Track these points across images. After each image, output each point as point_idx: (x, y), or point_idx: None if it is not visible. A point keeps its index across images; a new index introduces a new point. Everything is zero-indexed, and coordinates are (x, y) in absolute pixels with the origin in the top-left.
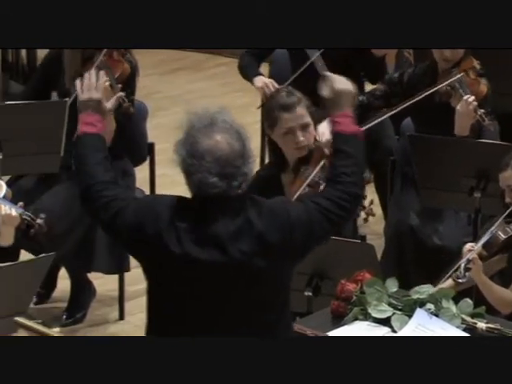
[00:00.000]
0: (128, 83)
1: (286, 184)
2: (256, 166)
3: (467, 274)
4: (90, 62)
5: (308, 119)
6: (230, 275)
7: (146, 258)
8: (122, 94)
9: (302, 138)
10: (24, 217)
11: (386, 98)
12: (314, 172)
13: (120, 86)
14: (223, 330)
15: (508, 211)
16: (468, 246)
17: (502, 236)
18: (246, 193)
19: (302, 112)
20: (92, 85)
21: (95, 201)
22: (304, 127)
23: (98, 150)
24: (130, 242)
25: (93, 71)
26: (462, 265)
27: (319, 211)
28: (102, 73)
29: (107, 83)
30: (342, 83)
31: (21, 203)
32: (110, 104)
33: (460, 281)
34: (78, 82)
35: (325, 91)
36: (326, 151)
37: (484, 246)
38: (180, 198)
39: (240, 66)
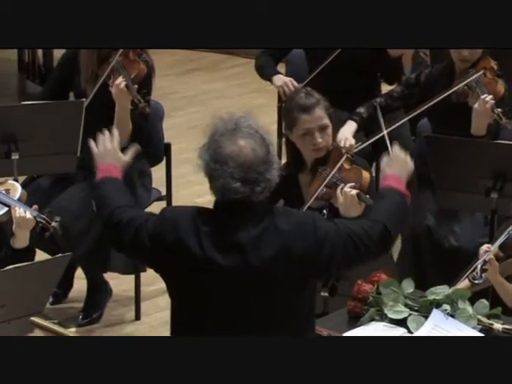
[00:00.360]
0: (144, 83)
1: (303, 184)
2: None
3: (483, 274)
4: (106, 62)
5: (326, 121)
6: (249, 281)
7: (167, 268)
8: (137, 94)
9: (320, 140)
10: (39, 219)
11: (403, 100)
12: (332, 173)
13: (136, 86)
14: (243, 336)
15: None
16: (484, 247)
17: None
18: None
19: (321, 114)
20: (106, 138)
21: (116, 225)
22: (322, 129)
23: (116, 188)
24: (151, 254)
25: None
26: (479, 266)
27: (348, 235)
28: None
29: (123, 84)
30: (403, 156)
31: (35, 206)
32: (126, 156)
33: (476, 282)
34: (91, 142)
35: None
36: (344, 152)
37: (500, 247)
38: (200, 208)
39: (257, 66)
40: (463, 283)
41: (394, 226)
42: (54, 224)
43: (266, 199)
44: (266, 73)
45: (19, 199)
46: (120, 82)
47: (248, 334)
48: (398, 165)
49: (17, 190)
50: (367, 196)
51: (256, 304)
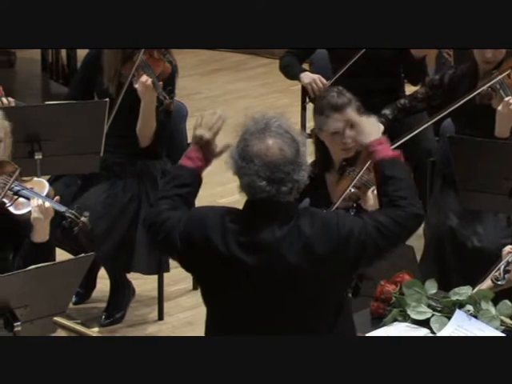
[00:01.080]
0: (169, 82)
1: (330, 184)
2: None
3: (506, 275)
4: (131, 61)
5: None
6: (273, 281)
7: (196, 267)
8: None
9: (349, 140)
10: (68, 215)
11: (427, 101)
12: (360, 173)
13: (161, 83)
14: (268, 335)
15: None
16: (508, 248)
17: None
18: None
19: (352, 113)
20: (209, 124)
21: (152, 225)
22: (352, 128)
23: (182, 184)
24: (181, 253)
25: (217, 114)
26: (502, 267)
27: (375, 227)
28: (222, 115)
29: (150, 81)
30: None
31: (57, 197)
32: (217, 151)
33: (499, 283)
34: (198, 118)
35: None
36: None
37: None
38: (230, 207)
39: (282, 66)
40: (486, 284)
41: (416, 203)
42: (83, 219)
43: (294, 200)
44: (292, 72)
45: (47, 195)
46: (146, 79)
47: (269, 333)
48: (371, 128)
49: (44, 186)
50: None
51: (278, 304)
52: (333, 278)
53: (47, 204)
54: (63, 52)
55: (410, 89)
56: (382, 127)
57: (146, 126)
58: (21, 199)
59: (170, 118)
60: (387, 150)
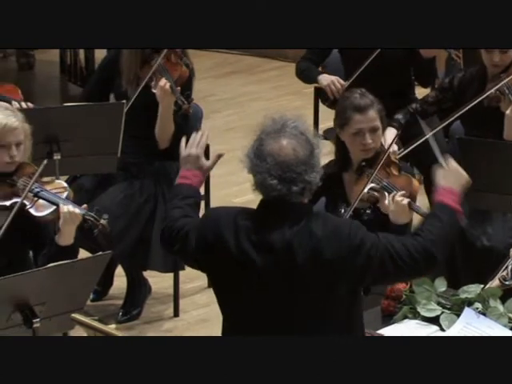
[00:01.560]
0: (186, 85)
1: (347, 183)
2: None
3: None
4: (148, 65)
5: (378, 123)
6: (281, 281)
7: (210, 266)
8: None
9: (369, 141)
10: (87, 217)
11: (438, 104)
12: (375, 172)
13: (179, 88)
14: (276, 335)
15: None
16: None
17: None
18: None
19: (374, 115)
20: (195, 142)
21: (169, 237)
22: (373, 130)
23: (184, 196)
24: (197, 255)
25: (200, 133)
26: (510, 266)
27: (386, 248)
28: (205, 133)
29: (168, 85)
30: (457, 169)
31: (85, 205)
32: (209, 162)
33: (507, 283)
34: (182, 142)
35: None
36: (393, 158)
37: None
38: (244, 207)
39: (299, 71)
40: (494, 283)
41: (440, 248)
42: (102, 221)
43: (307, 201)
44: (310, 75)
45: (67, 198)
46: (165, 83)
47: (279, 334)
48: (452, 177)
49: (65, 189)
50: (417, 205)
51: (286, 305)
52: (339, 284)
53: (76, 210)
54: (81, 54)
55: (420, 91)
56: (394, 131)
57: (164, 129)
58: (41, 201)
59: (188, 121)
60: (451, 201)
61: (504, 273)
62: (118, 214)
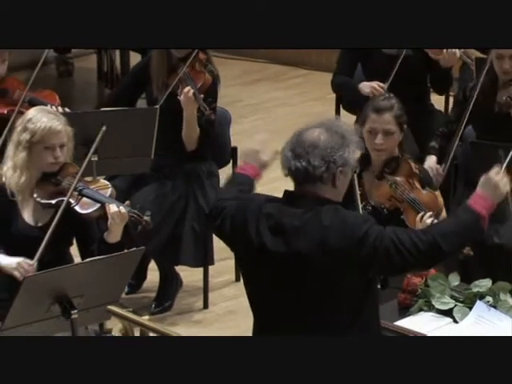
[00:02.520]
0: (209, 92)
1: (366, 181)
2: None
3: None
4: (175, 73)
5: (392, 127)
6: (288, 266)
7: (237, 248)
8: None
9: (380, 141)
10: (131, 214)
11: (461, 118)
12: (395, 178)
13: (202, 96)
14: (286, 320)
15: None
16: None
17: None
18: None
19: (389, 119)
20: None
21: (213, 213)
22: (386, 133)
23: (238, 183)
24: (229, 238)
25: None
26: None
27: (392, 239)
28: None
29: (191, 92)
30: (498, 178)
31: (127, 202)
32: (266, 158)
33: None
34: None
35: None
36: (414, 169)
37: None
38: (272, 197)
39: (337, 87)
40: None
41: (448, 242)
42: (145, 218)
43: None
44: (349, 87)
45: (110, 196)
46: (188, 90)
47: (288, 320)
48: (490, 186)
49: (108, 187)
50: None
51: (295, 291)
52: (345, 274)
53: (121, 209)
54: (117, 62)
55: (434, 97)
56: (434, 158)
57: (189, 133)
58: (85, 199)
59: (213, 125)
60: (480, 206)
61: None
62: (151, 212)
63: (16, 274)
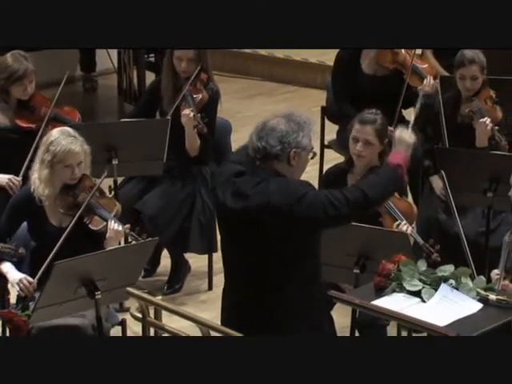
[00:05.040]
0: (205, 108)
1: (349, 183)
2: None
3: None
4: (180, 91)
5: (372, 138)
6: (243, 223)
7: (216, 213)
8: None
9: (360, 149)
10: (129, 236)
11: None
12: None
13: (199, 115)
14: (244, 272)
15: None
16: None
17: None
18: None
19: (370, 131)
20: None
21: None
22: (366, 142)
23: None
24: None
25: None
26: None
27: (326, 196)
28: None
29: (192, 114)
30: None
31: (127, 225)
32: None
33: None
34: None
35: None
36: None
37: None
38: (239, 170)
39: (338, 115)
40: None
41: (374, 191)
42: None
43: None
44: (349, 113)
45: (115, 215)
46: (189, 112)
47: (250, 272)
48: (401, 142)
49: (114, 205)
50: (415, 233)
51: (251, 245)
52: (293, 227)
53: (119, 228)
54: (135, 79)
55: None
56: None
57: (190, 143)
58: (96, 217)
59: (212, 135)
60: (396, 158)
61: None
62: (164, 208)
63: (17, 287)
